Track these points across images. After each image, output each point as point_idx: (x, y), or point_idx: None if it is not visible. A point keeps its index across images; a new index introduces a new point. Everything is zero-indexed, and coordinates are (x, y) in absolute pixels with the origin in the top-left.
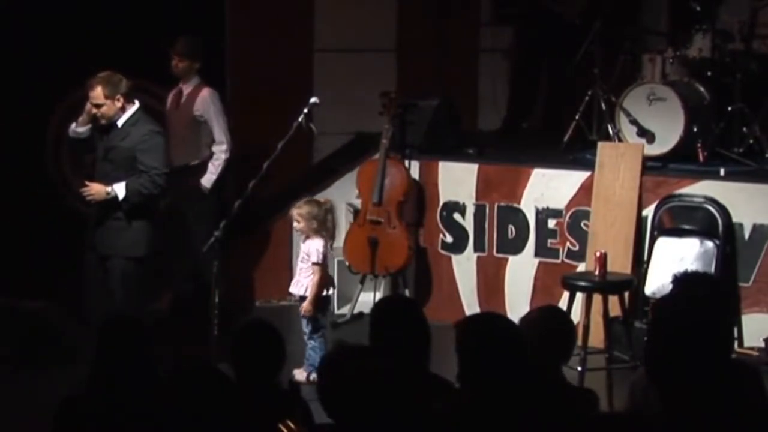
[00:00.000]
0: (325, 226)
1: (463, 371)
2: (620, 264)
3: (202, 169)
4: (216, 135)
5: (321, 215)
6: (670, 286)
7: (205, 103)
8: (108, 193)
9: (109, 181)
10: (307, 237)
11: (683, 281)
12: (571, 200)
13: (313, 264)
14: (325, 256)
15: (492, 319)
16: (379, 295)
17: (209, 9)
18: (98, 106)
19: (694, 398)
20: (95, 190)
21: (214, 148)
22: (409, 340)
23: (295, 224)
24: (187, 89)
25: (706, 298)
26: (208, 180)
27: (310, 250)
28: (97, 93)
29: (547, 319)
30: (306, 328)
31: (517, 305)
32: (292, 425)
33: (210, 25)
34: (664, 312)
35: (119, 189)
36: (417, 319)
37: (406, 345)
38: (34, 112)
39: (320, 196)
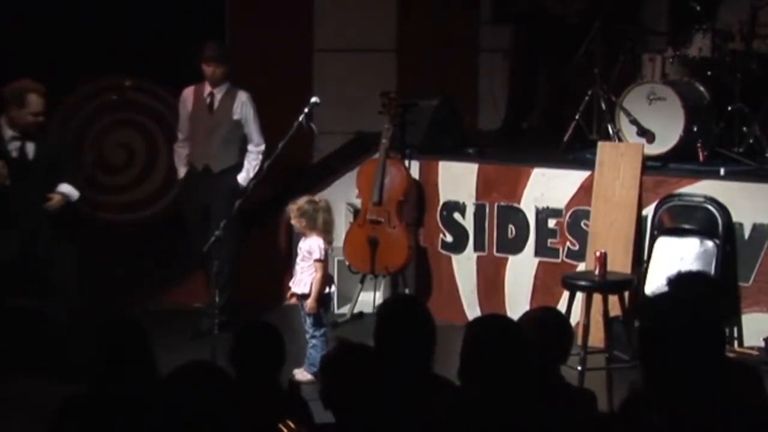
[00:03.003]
0: (316, 223)
1: (467, 369)
2: (620, 264)
3: (235, 169)
4: (255, 136)
5: (310, 212)
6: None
7: (245, 106)
8: (65, 199)
9: (53, 187)
10: (304, 235)
11: (676, 282)
12: (571, 200)
13: (316, 261)
14: (326, 252)
15: (501, 320)
16: (379, 295)
17: (209, 9)
18: (43, 114)
19: (693, 398)
20: (58, 201)
21: (252, 148)
22: (415, 340)
23: (291, 221)
24: (219, 92)
25: (695, 298)
26: (245, 179)
27: (311, 247)
28: (45, 102)
29: (544, 319)
30: (309, 327)
31: (517, 305)
32: (292, 425)
33: (210, 25)
34: (651, 313)
35: (71, 190)
36: (424, 319)
37: (412, 345)
38: None
39: (320, 196)
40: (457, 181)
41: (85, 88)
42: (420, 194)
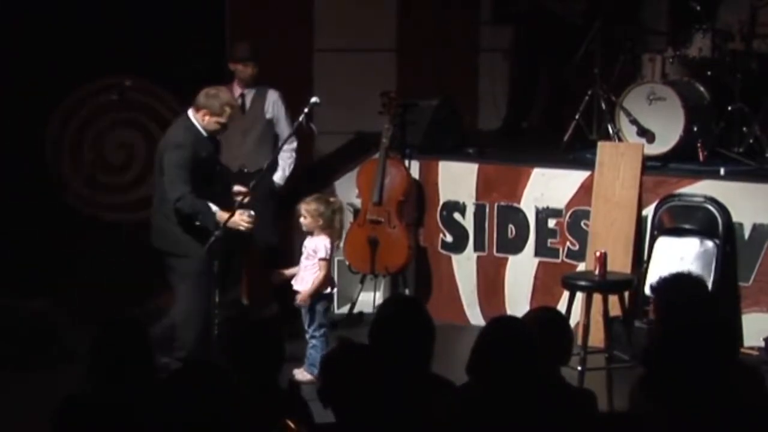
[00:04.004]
0: (332, 225)
1: (476, 366)
2: (620, 263)
3: (269, 168)
4: (287, 134)
5: (328, 214)
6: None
7: (277, 104)
8: None
9: None
10: (311, 233)
11: (673, 283)
12: (571, 200)
13: (320, 260)
14: (331, 252)
15: (516, 323)
16: (379, 295)
17: (209, 9)
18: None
19: (694, 398)
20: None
21: (286, 146)
22: (414, 340)
23: (301, 219)
24: (249, 93)
25: (710, 300)
26: (281, 177)
27: (317, 246)
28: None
29: (544, 319)
30: (307, 325)
31: (517, 305)
32: (292, 425)
33: (210, 25)
34: (670, 313)
35: None
36: (423, 320)
37: (411, 345)
38: (35, 112)
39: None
40: (457, 181)
41: (85, 88)
42: (420, 194)
